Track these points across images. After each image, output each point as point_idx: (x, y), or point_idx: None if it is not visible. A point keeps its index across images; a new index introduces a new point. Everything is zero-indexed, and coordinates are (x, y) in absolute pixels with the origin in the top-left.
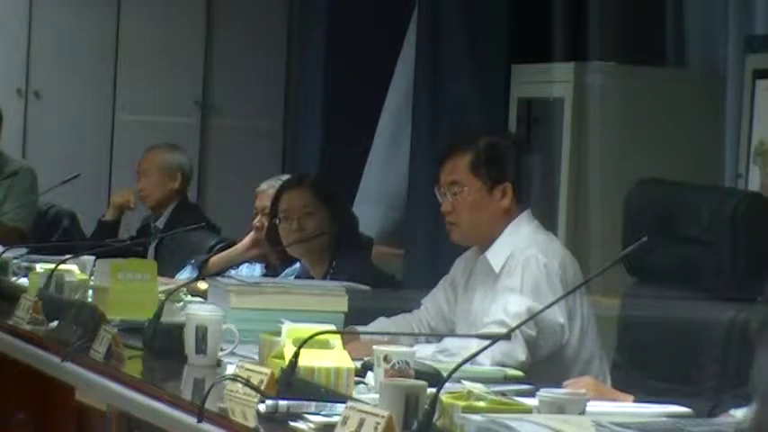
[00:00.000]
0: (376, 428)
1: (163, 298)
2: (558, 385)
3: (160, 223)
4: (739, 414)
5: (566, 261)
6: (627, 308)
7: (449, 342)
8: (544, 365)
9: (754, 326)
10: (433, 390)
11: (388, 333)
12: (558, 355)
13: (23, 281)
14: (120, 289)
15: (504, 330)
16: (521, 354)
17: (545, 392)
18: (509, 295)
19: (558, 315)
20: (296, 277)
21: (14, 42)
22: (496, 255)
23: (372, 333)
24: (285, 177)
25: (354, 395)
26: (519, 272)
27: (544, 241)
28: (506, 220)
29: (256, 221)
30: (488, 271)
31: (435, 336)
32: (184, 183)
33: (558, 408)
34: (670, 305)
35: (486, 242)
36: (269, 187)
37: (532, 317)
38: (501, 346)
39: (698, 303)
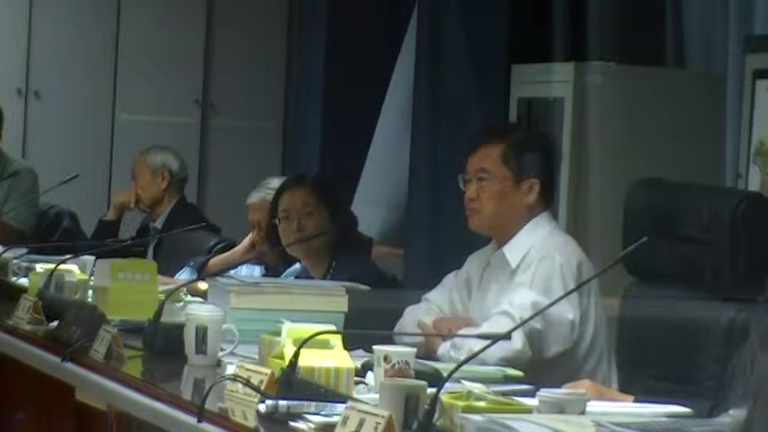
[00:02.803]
0: (376, 428)
1: (163, 298)
2: (558, 386)
3: (158, 224)
4: (736, 414)
5: (582, 263)
6: (627, 308)
7: (458, 339)
8: (554, 365)
9: (754, 326)
10: (433, 390)
11: (413, 334)
12: (570, 354)
13: (23, 281)
14: (120, 289)
15: (506, 320)
16: (517, 342)
17: (545, 392)
18: (519, 289)
19: (567, 310)
20: (296, 277)
21: (14, 42)
22: (514, 250)
23: (403, 334)
24: (272, 185)
25: (354, 395)
26: (533, 268)
27: (562, 242)
28: (527, 216)
29: (254, 237)
30: (505, 266)
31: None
32: (175, 182)
33: (559, 408)
34: (670, 305)
35: (503, 235)
36: (259, 200)
37: (538, 313)
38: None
39: (698, 303)
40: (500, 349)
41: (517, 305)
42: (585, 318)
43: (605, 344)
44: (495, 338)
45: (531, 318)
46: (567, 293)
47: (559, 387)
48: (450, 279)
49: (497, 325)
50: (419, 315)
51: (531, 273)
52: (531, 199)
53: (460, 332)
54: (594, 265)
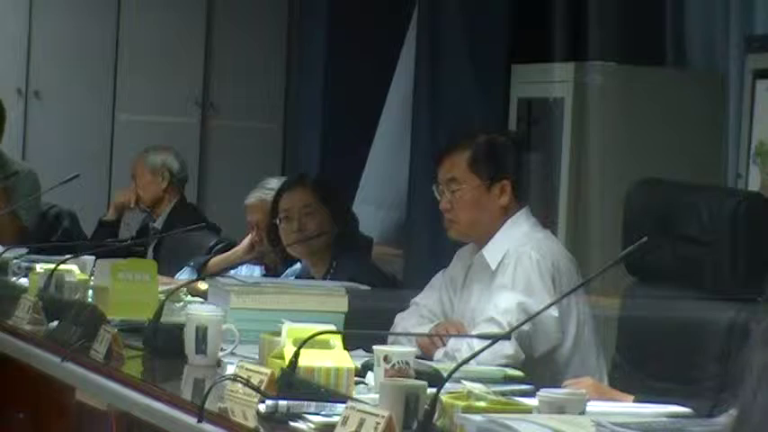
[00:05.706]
0: (376, 428)
1: (163, 298)
2: (558, 385)
3: (158, 224)
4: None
5: (559, 259)
6: (627, 308)
7: (450, 348)
8: (540, 364)
9: (754, 326)
10: (433, 390)
11: (412, 334)
12: (554, 353)
13: (23, 281)
14: (120, 289)
15: (494, 327)
16: (508, 348)
17: (545, 392)
18: (501, 292)
19: (551, 308)
20: (297, 277)
21: (14, 42)
22: (493, 252)
23: (401, 335)
24: (270, 185)
25: (354, 395)
26: (511, 268)
27: (540, 239)
28: (503, 218)
29: (254, 237)
30: (485, 268)
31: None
32: (175, 182)
33: (558, 408)
34: (670, 305)
35: (484, 239)
36: (257, 200)
37: (529, 319)
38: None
39: (698, 303)
40: (493, 356)
41: (502, 309)
42: (567, 314)
43: (592, 339)
44: (493, 338)
45: (522, 324)
46: (560, 299)
47: (558, 386)
48: (438, 279)
49: (486, 333)
50: (409, 323)
51: (511, 274)
52: (504, 201)
53: (453, 339)
54: (594, 264)
